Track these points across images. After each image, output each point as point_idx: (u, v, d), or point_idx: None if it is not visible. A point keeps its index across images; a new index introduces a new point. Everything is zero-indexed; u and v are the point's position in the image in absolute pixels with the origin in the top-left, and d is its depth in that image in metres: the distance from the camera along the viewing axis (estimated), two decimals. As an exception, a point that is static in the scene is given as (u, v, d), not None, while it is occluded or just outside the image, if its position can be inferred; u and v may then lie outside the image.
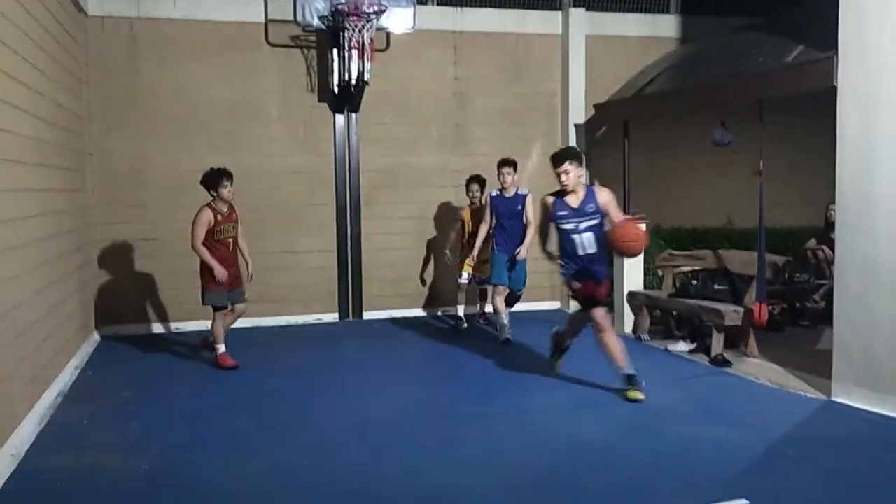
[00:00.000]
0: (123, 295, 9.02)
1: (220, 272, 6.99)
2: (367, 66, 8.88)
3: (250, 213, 9.31)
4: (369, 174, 9.75)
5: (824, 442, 5.20)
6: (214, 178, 7.13)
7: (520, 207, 8.15)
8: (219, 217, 7.08)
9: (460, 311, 9.09)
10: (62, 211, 7.15)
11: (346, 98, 9.30)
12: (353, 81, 8.90)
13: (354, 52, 8.79)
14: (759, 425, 5.37)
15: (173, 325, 9.17)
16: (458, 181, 10.09)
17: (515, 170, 8.23)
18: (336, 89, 9.13)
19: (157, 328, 9.12)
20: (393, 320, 9.76)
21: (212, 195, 7.14)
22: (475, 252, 8.39)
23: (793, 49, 6.96)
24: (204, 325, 9.15)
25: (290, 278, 9.44)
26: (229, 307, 7.29)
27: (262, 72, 9.37)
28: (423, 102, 9.97)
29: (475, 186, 8.77)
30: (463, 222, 8.93)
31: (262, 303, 9.39)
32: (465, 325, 9.06)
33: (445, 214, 10.06)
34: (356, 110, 9.54)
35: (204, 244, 7.03)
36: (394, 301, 9.95)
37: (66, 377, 6.84)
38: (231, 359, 7.27)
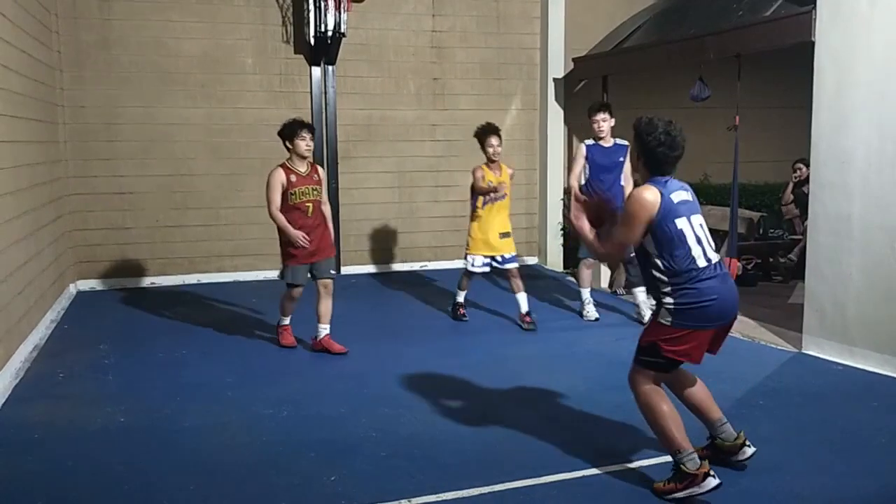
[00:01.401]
0: (99, 249, 8.95)
1: (298, 236, 6.01)
2: (344, 17, 8.75)
3: (224, 166, 9.28)
4: (346, 128, 9.67)
5: (794, 392, 5.32)
6: (290, 130, 6.11)
7: (621, 159, 7.13)
8: (292, 178, 6.04)
9: (461, 296, 7.47)
10: (34, 163, 7.04)
11: (323, 50, 9.16)
12: (330, 33, 8.77)
13: (331, 3, 8.64)
14: (729, 376, 5.48)
15: (149, 280, 9.12)
16: (435, 135, 10.07)
17: (611, 115, 7.27)
18: (312, 41, 8.99)
19: (134, 282, 9.07)
20: (371, 275, 9.78)
21: (288, 150, 6.17)
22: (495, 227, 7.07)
23: (771, 3, 6.94)
24: (182, 279, 9.18)
25: (266, 232, 9.34)
26: (314, 284, 6.28)
27: (238, 22, 9.20)
28: (401, 55, 9.85)
29: (494, 139, 7.09)
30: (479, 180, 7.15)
31: (239, 257, 9.39)
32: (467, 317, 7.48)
33: (423, 168, 10.03)
34: (333, 63, 9.42)
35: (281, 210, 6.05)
36: (372, 255, 9.97)
37: (41, 331, 6.81)
38: (291, 336, 6.46)
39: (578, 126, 10.29)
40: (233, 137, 9.25)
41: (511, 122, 10.28)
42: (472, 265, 7.22)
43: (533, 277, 9.63)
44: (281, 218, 6.02)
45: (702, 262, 3.69)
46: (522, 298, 7.15)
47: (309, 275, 6.23)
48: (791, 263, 8.83)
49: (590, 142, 7.31)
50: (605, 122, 7.18)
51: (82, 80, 8.75)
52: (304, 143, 6.06)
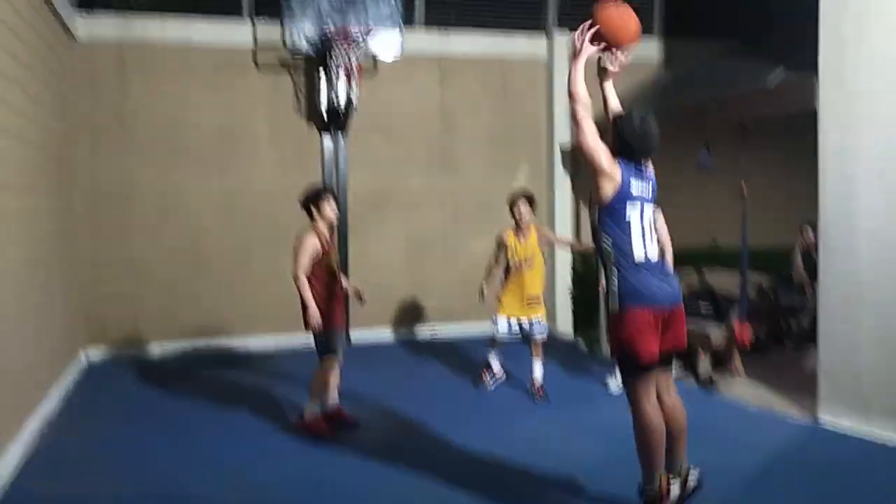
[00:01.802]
0: (111, 317, 8.98)
1: (315, 315, 5.74)
2: (355, 88, 8.96)
3: (238, 235, 9.38)
4: (357, 195, 9.79)
5: (811, 465, 5.24)
6: (316, 196, 5.95)
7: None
8: (325, 244, 5.89)
9: (491, 358, 7.35)
10: (49, 234, 7.14)
11: (334, 120, 9.35)
12: (341, 104, 8.96)
13: (342, 75, 8.86)
14: (746, 448, 5.41)
15: (160, 348, 9.13)
16: (444, 202, 10.18)
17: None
18: (324, 111, 9.19)
19: (145, 351, 9.08)
20: (380, 342, 9.76)
21: (312, 217, 5.95)
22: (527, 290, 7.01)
23: (772, 72, 7.08)
24: (193, 344, 9.18)
25: (276, 299, 9.42)
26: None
27: (251, 94, 9.42)
28: (410, 124, 10.04)
29: (522, 206, 7.04)
30: (505, 249, 7.18)
31: (249, 325, 9.40)
32: (495, 381, 7.36)
33: (432, 234, 10.11)
34: (344, 132, 9.60)
35: (312, 277, 5.81)
36: (381, 320, 9.96)
37: (52, 402, 6.79)
38: (326, 424, 5.91)
39: (587, 192, 10.38)
40: (245, 205, 9.38)
41: (519, 188, 10.37)
42: (496, 329, 7.18)
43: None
44: (306, 284, 5.75)
45: (639, 255, 3.98)
46: (538, 367, 7.10)
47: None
48: (803, 329, 8.78)
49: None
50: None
51: (99, 153, 8.93)
52: (332, 209, 5.97)
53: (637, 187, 4.06)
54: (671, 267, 4.62)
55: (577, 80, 4.10)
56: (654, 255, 4.07)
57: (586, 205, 10.40)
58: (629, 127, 4.08)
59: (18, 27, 6.02)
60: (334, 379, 6.01)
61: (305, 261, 5.77)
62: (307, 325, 5.81)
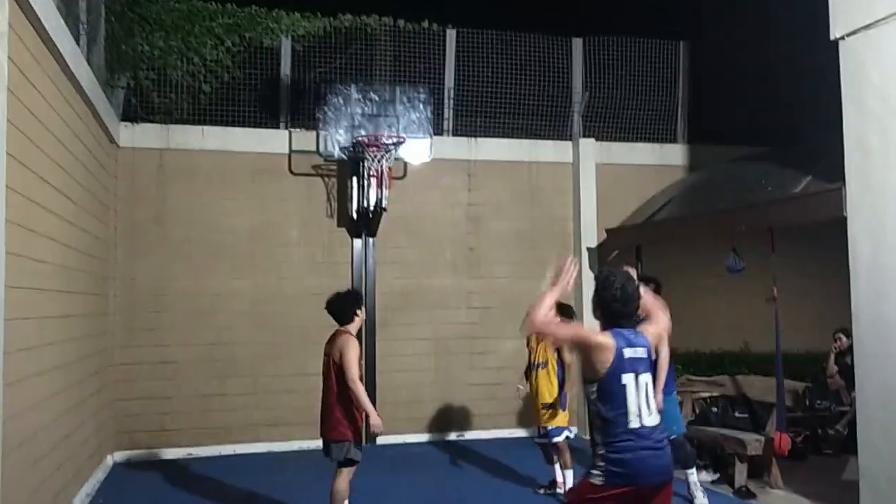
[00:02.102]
0: (139, 419, 8.98)
1: (376, 420, 5.71)
2: (385, 193, 9.17)
3: (267, 336, 9.43)
4: (385, 296, 9.86)
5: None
6: (359, 300, 6.10)
7: None
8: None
9: (567, 475, 7.05)
10: (83, 336, 7.24)
11: (364, 223, 9.53)
12: (371, 208, 9.16)
13: (373, 181, 9.09)
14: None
15: (186, 451, 9.06)
16: (471, 303, 10.20)
17: None
18: (355, 215, 9.39)
19: (171, 453, 9.01)
20: (405, 445, 9.61)
21: (348, 321, 5.93)
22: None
23: (800, 179, 7.16)
24: (218, 449, 9.10)
25: (303, 401, 9.37)
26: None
27: (285, 199, 9.67)
28: (438, 227, 10.20)
29: None
30: (530, 351, 7.28)
31: (274, 427, 9.33)
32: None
33: (459, 335, 10.09)
34: (373, 235, 9.76)
35: (339, 384, 5.74)
36: (407, 425, 9.83)
37: (80, 500, 6.73)
38: None
39: (614, 294, 10.38)
40: (275, 307, 9.47)
41: (546, 289, 10.40)
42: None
43: (571, 450, 9.38)
44: (362, 389, 5.66)
45: (634, 424, 3.78)
46: (567, 474, 6.94)
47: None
48: (841, 436, 8.53)
49: None
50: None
51: (135, 254, 9.15)
52: (361, 317, 6.04)
53: (630, 354, 3.85)
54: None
55: (542, 309, 3.90)
56: (650, 422, 3.82)
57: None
58: (609, 294, 3.92)
59: (65, 136, 6.30)
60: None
61: (356, 366, 5.69)
62: (347, 432, 5.72)
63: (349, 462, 5.78)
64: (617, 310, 3.92)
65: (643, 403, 3.82)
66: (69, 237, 6.55)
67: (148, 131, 9.32)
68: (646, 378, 3.87)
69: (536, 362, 7.10)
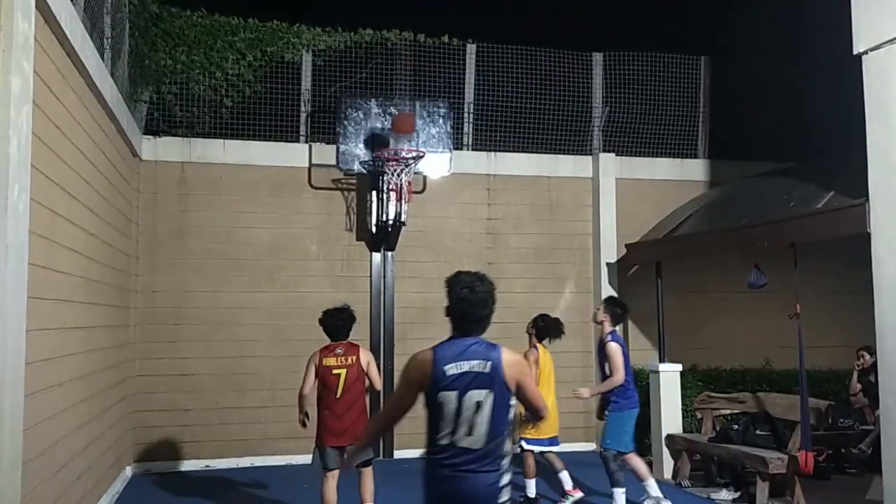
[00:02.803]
0: (157, 430, 9.02)
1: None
2: (404, 207, 9.19)
3: (286, 348, 9.45)
4: (403, 310, 9.86)
5: None
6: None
7: None
8: None
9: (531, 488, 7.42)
10: (104, 347, 7.29)
11: (383, 237, 9.55)
12: (391, 222, 9.18)
13: (392, 195, 9.12)
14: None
15: (204, 462, 9.08)
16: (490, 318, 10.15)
17: None
18: (374, 229, 9.42)
19: (189, 465, 9.04)
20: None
21: (344, 337, 6.37)
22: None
23: (823, 195, 7.09)
24: (236, 461, 9.11)
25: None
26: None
27: (304, 212, 9.71)
28: (457, 241, 10.20)
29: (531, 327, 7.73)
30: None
31: (292, 440, 9.31)
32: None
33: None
34: (392, 249, 9.77)
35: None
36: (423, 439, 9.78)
37: (97, 515, 6.76)
38: None
39: (634, 309, 10.31)
40: (294, 320, 9.49)
41: (565, 304, 10.38)
42: None
43: (589, 465, 9.31)
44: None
45: (445, 440, 3.48)
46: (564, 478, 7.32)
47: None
48: (865, 455, 8.39)
49: None
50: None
51: (156, 266, 9.22)
52: None
53: (454, 370, 3.48)
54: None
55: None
56: (466, 444, 3.47)
57: (633, 320, 10.35)
58: (455, 294, 3.57)
59: (89, 149, 6.37)
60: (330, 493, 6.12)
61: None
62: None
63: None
64: (462, 312, 3.54)
65: (463, 423, 3.45)
66: (92, 249, 6.61)
67: (170, 145, 9.42)
68: (478, 396, 3.45)
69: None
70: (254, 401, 9.32)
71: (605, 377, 7.09)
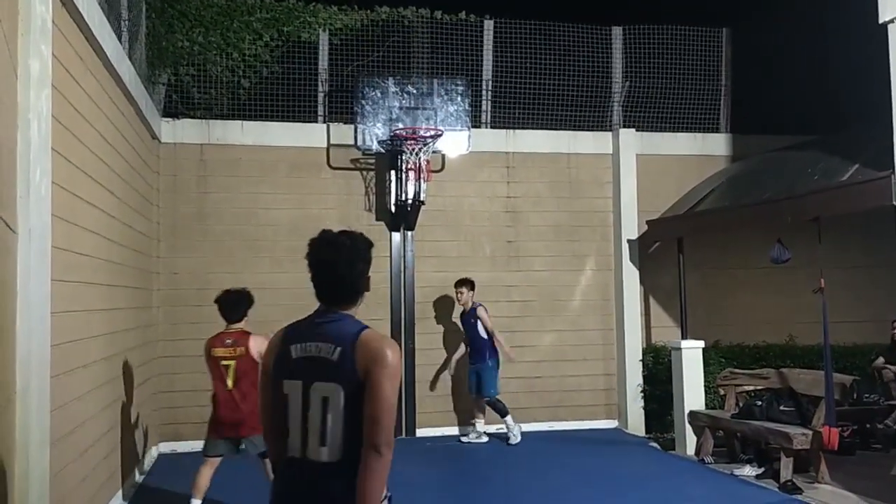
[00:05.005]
0: (182, 411, 9.10)
1: None
2: (423, 186, 9.17)
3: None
4: (423, 289, 9.86)
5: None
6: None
7: (472, 320, 9.11)
8: None
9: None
10: (127, 329, 7.36)
11: (403, 217, 9.54)
12: (410, 201, 9.17)
13: (411, 174, 9.10)
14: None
15: (228, 442, 9.16)
16: (511, 297, 10.16)
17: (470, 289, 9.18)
18: (393, 208, 9.41)
19: (213, 444, 9.11)
20: (443, 438, 9.62)
21: (240, 319, 6.23)
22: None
23: (847, 167, 6.97)
24: (260, 440, 9.18)
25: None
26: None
27: (323, 192, 9.72)
28: (477, 220, 10.16)
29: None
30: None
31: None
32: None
33: (498, 329, 10.03)
34: (412, 228, 9.76)
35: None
36: (444, 418, 9.85)
37: (122, 498, 6.85)
38: None
39: (655, 286, 10.27)
40: (314, 301, 9.47)
41: (586, 282, 10.34)
42: None
43: (612, 443, 9.34)
44: None
45: (294, 452, 2.72)
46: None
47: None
48: (890, 430, 8.32)
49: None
50: (461, 295, 9.16)
51: (177, 248, 9.28)
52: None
53: (301, 353, 2.79)
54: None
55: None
56: (318, 457, 2.68)
57: (654, 297, 10.31)
58: (310, 251, 2.95)
59: (108, 132, 6.40)
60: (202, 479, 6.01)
61: None
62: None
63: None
64: (316, 273, 2.90)
65: (312, 427, 2.69)
66: (113, 232, 6.66)
67: (189, 127, 9.44)
68: (324, 391, 2.68)
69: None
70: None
71: (480, 340, 9.03)
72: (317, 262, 2.89)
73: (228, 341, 5.96)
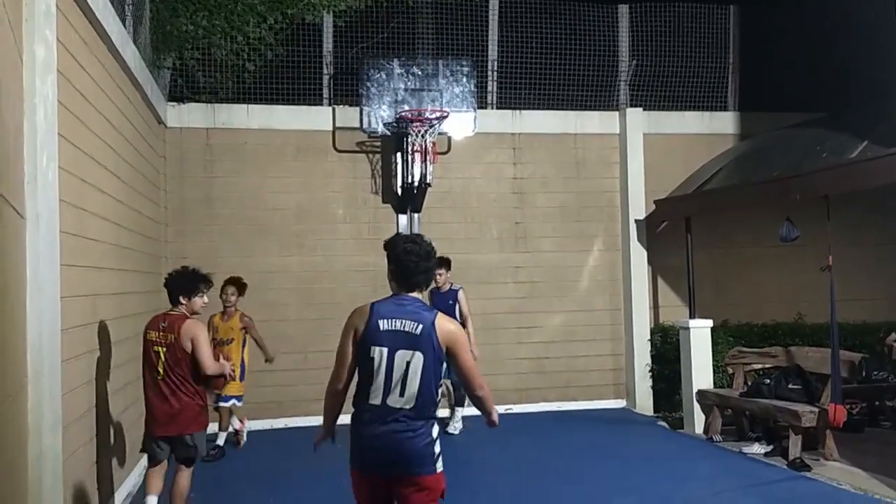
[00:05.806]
0: (191, 394, 9.16)
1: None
2: (430, 168, 9.15)
3: (315, 311, 9.53)
4: (431, 272, 9.86)
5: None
6: (196, 285, 5.58)
7: (451, 302, 8.56)
8: None
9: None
10: (136, 314, 7.38)
11: (409, 199, 9.53)
12: (416, 183, 9.16)
13: (417, 156, 9.09)
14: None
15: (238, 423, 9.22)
16: (518, 278, 10.17)
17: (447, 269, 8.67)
18: (399, 191, 9.41)
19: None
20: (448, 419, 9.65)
21: (180, 303, 5.52)
22: None
23: (856, 145, 6.93)
24: (271, 423, 9.27)
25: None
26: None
27: (330, 176, 9.72)
28: (483, 201, 10.15)
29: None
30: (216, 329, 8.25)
31: (314, 402, 9.43)
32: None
33: (507, 310, 10.07)
34: (418, 210, 9.75)
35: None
36: (456, 399, 9.86)
37: (133, 479, 6.92)
38: None
39: (663, 266, 10.25)
40: (323, 284, 9.56)
41: (594, 262, 10.33)
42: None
43: (620, 422, 9.37)
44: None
45: (376, 400, 3.54)
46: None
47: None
48: (899, 407, 8.34)
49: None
50: (440, 276, 8.48)
51: (185, 232, 9.31)
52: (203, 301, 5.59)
53: (387, 326, 3.60)
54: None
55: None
56: (395, 403, 3.54)
57: (662, 277, 10.29)
58: (396, 248, 3.72)
59: (114, 117, 6.41)
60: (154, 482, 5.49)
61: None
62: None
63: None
64: (403, 267, 3.67)
65: (394, 382, 3.53)
66: (121, 217, 6.68)
67: (194, 111, 9.43)
68: (406, 356, 3.53)
69: (224, 339, 8.02)
70: (286, 363, 9.41)
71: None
72: (403, 257, 3.65)
73: (163, 324, 5.34)
